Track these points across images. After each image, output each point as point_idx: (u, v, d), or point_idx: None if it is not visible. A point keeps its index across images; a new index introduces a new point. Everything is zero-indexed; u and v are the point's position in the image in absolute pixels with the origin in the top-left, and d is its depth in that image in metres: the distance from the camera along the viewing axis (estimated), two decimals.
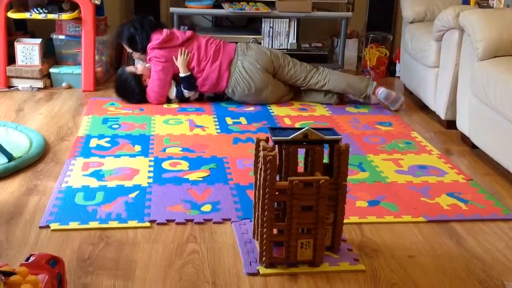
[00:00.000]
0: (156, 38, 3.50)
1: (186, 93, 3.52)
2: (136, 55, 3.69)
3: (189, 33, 3.57)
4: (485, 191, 2.46)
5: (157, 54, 3.46)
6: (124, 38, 3.61)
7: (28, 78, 3.81)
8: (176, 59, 3.46)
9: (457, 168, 2.70)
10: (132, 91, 3.51)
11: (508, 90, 2.44)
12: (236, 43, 3.63)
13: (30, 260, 1.46)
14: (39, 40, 3.85)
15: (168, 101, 3.55)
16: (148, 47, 3.51)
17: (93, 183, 2.43)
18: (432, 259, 1.94)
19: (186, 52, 3.46)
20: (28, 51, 3.82)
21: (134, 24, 3.57)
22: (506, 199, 2.40)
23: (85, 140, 2.92)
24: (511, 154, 2.47)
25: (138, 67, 3.55)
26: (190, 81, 3.48)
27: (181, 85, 3.50)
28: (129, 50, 3.69)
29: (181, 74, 3.47)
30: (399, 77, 4.29)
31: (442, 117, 3.27)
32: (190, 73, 3.47)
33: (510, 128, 2.45)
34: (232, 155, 2.78)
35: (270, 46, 4.34)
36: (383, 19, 4.65)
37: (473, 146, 2.90)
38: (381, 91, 3.52)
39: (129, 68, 3.57)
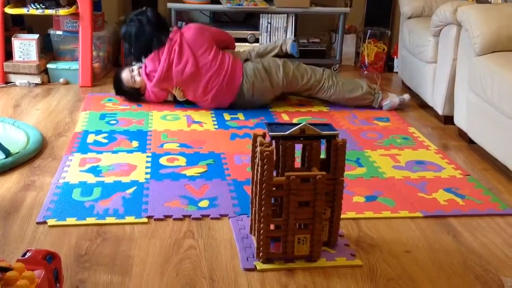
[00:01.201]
0: (151, 69, 3.26)
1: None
2: None
3: (188, 71, 3.22)
4: (482, 186, 2.47)
5: (150, 87, 3.36)
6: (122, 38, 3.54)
7: (26, 73, 3.80)
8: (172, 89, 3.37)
9: (454, 163, 2.71)
10: (131, 98, 3.48)
11: (505, 85, 2.44)
12: (242, 76, 3.30)
13: (26, 256, 1.45)
14: (36, 36, 3.84)
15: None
16: (142, 69, 3.35)
17: (91, 179, 2.43)
18: (429, 254, 1.94)
19: (180, 89, 3.34)
20: (26, 46, 3.81)
21: (130, 35, 3.31)
22: (503, 194, 2.41)
23: (82, 135, 2.92)
24: (508, 149, 2.48)
25: (136, 78, 3.36)
26: (186, 102, 3.42)
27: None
28: None
29: (178, 99, 3.39)
30: (397, 72, 4.29)
31: (440, 112, 3.27)
32: (186, 99, 3.40)
33: (507, 123, 2.45)
34: (229, 151, 2.77)
35: (268, 42, 4.34)
36: (381, 15, 4.64)
37: (471, 142, 2.90)
38: (385, 104, 3.44)
39: (126, 77, 3.39)
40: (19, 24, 4.21)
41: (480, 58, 2.73)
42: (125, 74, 3.40)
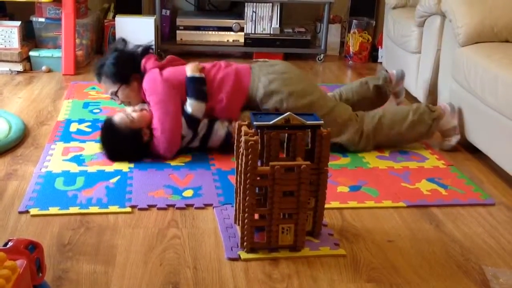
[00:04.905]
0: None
1: (190, 105, 2.48)
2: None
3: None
4: (464, 176, 2.49)
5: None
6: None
7: (7, 61, 3.75)
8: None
9: (437, 153, 2.72)
10: (133, 152, 2.49)
11: (488, 76, 2.46)
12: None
13: (8, 246, 1.44)
14: (18, 23, 3.79)
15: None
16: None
17: (74, 168, 2.41)
18: (411, 244, 1.96)
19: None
20: (7, 33, 3.75)
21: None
22: (485, 184, 2.43)
23: (65, 124, 2.89)
24: (490, 140, 2.50)
25: (133, 115, 2.47)
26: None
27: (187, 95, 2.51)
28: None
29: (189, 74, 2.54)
30: (381, 62, 4.30)
31: (423, 102, 3.28)
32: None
33: (489, 114, 2.47)
34: None
35: (253, 31, 4.33)
36: (366, 5, 4.64)
37: None
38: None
39: (120, 118, 2.45)
40: (1, 11, 4.14)
41: (464, 49, 2.74)
42: (118, 116, 2.46)
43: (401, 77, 3.03)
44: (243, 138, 1.74)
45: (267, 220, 1.81)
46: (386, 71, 3.04)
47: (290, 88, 2.55)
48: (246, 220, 1.80)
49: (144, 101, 2.58)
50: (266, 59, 2.76)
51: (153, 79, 2.51)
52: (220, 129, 2.54)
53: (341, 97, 2.86)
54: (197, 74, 2.52)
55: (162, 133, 2.43)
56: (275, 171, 1.74)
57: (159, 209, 2.11)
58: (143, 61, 2.61)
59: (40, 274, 1.49)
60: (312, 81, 2.78)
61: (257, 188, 1.80)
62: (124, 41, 2.70)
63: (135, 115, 2.46)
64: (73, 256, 1.80)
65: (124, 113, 2.47)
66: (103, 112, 3.09)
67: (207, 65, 2.63)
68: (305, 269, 1.79)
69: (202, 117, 2.52)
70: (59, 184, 2.26)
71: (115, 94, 2.63)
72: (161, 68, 2.59)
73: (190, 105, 2.47)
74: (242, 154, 1.76)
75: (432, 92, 3.18)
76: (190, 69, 2.55)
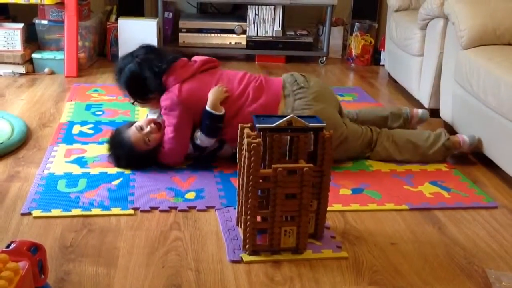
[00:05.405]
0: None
1: (199, 139, 2.43)
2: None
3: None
4: (467, 179, 2.48)
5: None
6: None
7: (10, 63, 3.76)
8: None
9: None
10: (143, 165, 2.46)
11: (490, 79, 2.46)
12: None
13: (11, 247, 1.44)
14: (21, 25, 3.80)
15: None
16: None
17: (76, 170, 2.41)
18: (414, 246, 1.95)
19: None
20: (10, 36, 3.76)
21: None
22: (488, 187, 2.43)
23: (67, 126, 2.89)
24: (493, 143, 2.50)
25: (151, 136, 2.40)
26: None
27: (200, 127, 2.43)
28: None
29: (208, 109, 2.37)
30: (383, 65, 4.30)
31: (426, 105, 3.28)
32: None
33: (492, 117, 2.47)
34: None
35: (255, 34, 4.33)
36: (368, 7, 4.64)
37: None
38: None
39: (137, 140, 2.40)
40: (4, 13, 4.15)
41: (467, 51, 2.74)
42: (135, 137, 2.39)
43: (424, 119, 2.88)
44: (245, 141, 1.74)
45: (269, 222, 1.81)
46: (410, 109, 2.90)
47: None
48: (248, 223, 1.79)
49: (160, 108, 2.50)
50: (305, 76, 2.54)
51: (170, 99, 2.39)
52: (228, 149, 2.53)
53: (355, 121, 2.73)
54: (216, 112, 2.36)
55: (168, 151, 2.43)
56: (278, 173, 1.73)
57: (161, 211, 2.11)
58: (165, 75, 2.43)
59: (43, 276, 1.49)
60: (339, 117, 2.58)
61: (259, 191, 1.80)
62: (147, 48, 2.55)
63: (152, 137, 2.39)
64: (75, 258, 1.80)
65: (140, 133, 2.39)
66: (106, 114, 3.09)
67: (236, 90, 2.44)
68: (307, 271, 1.78)
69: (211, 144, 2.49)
70: (61, 186, 2.26)
71: (132, 103, 2.61)
72: (185, 81, 2.43)
73: (200, 139, 2.42)
74: (245, 156, 1.76)
75: (435, 95, 3.18)
76: (211, 101, 2.37)
